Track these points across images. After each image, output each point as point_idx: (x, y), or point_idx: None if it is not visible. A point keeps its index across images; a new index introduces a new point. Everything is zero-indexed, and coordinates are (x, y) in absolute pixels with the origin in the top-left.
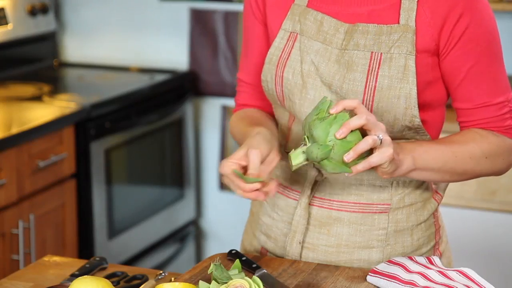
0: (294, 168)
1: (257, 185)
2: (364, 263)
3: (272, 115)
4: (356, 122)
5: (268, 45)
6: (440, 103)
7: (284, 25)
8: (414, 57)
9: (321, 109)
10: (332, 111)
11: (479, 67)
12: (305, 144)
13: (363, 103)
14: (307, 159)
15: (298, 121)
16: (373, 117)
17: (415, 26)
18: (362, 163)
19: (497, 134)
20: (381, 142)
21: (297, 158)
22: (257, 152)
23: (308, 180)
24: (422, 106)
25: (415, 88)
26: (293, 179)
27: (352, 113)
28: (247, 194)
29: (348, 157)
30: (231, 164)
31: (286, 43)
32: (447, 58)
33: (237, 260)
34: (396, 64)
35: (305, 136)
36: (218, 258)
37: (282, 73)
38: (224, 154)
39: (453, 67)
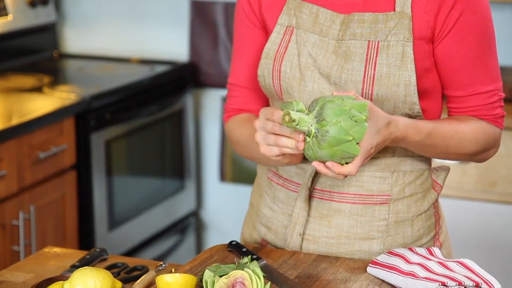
0: (287, 119)
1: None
2: (365, 254)
3: None
4: (345, 169)
5: (263, 47)
6: (437, 91)
7: (280, 20)
8: (412, 43)
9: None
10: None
11: (471, 55)
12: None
13: (362, 92)
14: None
15: None
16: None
17: (411, 13)
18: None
19: (489, 124)
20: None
21: (302, 120)
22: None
23: (308, 172)
24: (421, 94)
25: (414, 75)
26: (293, 171)
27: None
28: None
29: (318, 167)
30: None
31: (283, 37)
32: (440, 44)
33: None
34: (394, 51)
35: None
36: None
37: (280, 67)
38: (224, 145)
39: (446, 54)
